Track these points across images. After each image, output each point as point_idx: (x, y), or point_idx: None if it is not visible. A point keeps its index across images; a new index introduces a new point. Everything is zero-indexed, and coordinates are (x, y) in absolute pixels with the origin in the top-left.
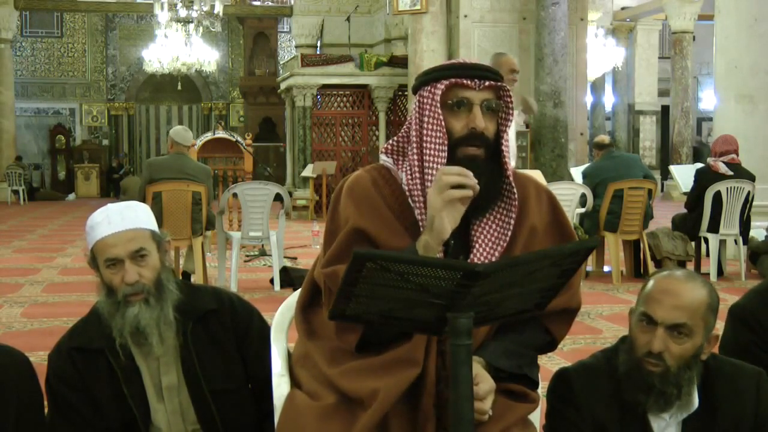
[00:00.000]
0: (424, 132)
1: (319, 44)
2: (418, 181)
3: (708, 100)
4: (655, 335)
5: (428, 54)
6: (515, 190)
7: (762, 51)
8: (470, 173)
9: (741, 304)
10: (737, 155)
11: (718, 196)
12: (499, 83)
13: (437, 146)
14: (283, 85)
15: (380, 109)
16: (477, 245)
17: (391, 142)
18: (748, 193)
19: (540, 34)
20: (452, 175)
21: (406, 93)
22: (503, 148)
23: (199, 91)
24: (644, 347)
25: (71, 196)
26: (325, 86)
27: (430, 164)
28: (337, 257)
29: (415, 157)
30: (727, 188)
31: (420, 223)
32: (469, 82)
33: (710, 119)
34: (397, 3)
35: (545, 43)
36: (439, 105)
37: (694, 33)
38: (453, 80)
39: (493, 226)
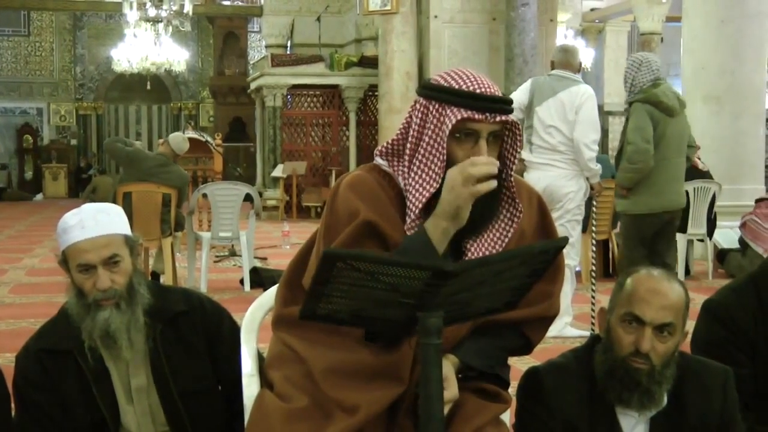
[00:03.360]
0: (422, 153)
1: (289, 44)
2: (413, 197)
3: None
4: (644, 335)
5: (399, 54)
6: (519, 213)
7: (728, 53)
8: (496, 163)
9: (716, 300)
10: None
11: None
12: (510, 118)
13: (431, 174)
14: (253, 85)
15: (351, 109)
16: (470, 253)
17: (386, 145)
18: (715, 193)
19: (510, 35)
20: (482, 166)
21: (376, 93)
22: (508, 177)
23: (168, 90)
24: (630, 347)
25: (39, 197)
26: (295, 86)
27: (419, 188)
28: (343, 247)
29: (406, 168)
30: (694, 188)
31: (407, 231)
32: (481, 116)
33: None
34: (367, 3)
35: (515, 44)
36: (445, 135)
37: (662, 34)
38: (466, 114)
39: (488, 237)
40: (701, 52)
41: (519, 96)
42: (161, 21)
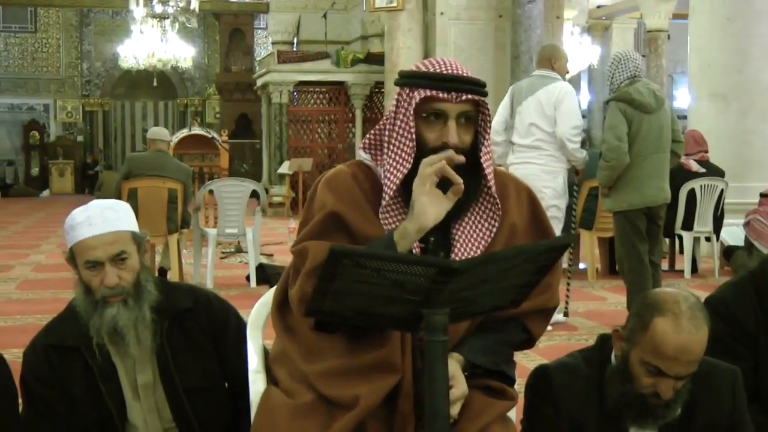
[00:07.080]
0: (394, 136)
1: (295, 41)
2: (387, 181)
3: (682, 98)
4: (667, 385)
5: (405, 51)
6: (495, 195)
7: (735, 50)
8: (458, 157)
9: (716, 296)
10: (707, 153)
11: (692, 194)
12: (478, 97)
13: (403, 155)
14: (259, 82)
15: (357, 106)
16: (458, 244)
17: (369, 136)
18: (722, 190)
19: (516, 32)
20: (435, 164)
21: (382, 90)
22: (482, 158)
23: (174, 87)
24: (650, 388)
25: (45, 193)
26: (301, 83)
27: (393, 171)
28: (309, 237)
29: (385, 156)
30: (701, 186)
31: (381, 214)
32: (445, 95)
33: (684, 117)
34: (373, 0)
35: (521, 41)
36: (412, 116)
37: (668, 32)
38: (428, 93)
39: (474, 225)
40: (708, 50)
41: (502, 108)
42: (167, 17)
